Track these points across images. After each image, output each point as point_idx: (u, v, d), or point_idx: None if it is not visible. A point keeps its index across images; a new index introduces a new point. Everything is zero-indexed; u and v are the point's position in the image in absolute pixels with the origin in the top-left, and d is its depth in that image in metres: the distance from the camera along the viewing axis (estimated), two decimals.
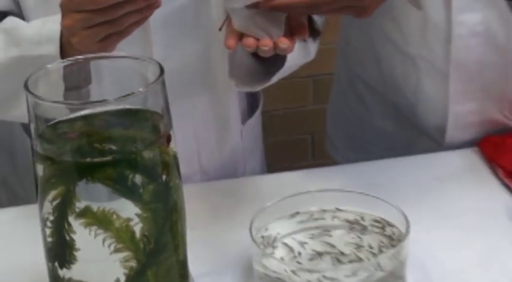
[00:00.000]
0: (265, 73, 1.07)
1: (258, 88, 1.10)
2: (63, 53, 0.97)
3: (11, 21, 1.08)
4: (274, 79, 1.08)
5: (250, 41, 0.93)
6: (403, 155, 1.20)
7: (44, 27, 1.00)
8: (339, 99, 1.44)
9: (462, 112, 1.20)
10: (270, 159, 1.44)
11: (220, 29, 0.98)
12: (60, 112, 0.79)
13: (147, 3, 0.91)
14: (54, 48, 0.96)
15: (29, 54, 1.00)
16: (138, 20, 0.93)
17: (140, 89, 0.77)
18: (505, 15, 1.11)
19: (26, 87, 0.77)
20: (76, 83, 0.85)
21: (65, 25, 0.94)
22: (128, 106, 0.80)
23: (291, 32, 0.95)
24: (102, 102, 0.78)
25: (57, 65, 0.84)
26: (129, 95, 0.77)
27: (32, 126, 0.79)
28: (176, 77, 1.15)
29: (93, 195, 0.79)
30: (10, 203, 1.31)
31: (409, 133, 1.30)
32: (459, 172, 1.15)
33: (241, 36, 0.94)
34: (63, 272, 0.81)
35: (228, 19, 0.96)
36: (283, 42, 0.93)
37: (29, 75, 0.79)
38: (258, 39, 0.93)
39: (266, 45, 0.93)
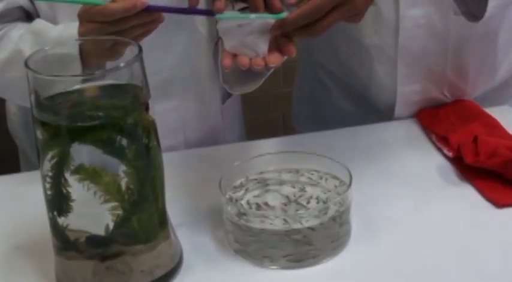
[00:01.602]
0: (255, 75, 1.06)
1: (250, 90, 1.08)
2: (82, 53, 0.94)
3: (39, 23, 1.06)
4: (263, 80, 1.08)
5: (244, 61, 0.90)
6: None
7: (65, 31, 1.00)
8: (302, 82, 1.44)
9: (408, 92, 1.20)
10: (248, 134, 1.44)
11: (216, 44, 0.95)
12: (55, 85, 0.79)
13: (151, 18, 0.91)
14: (73, 49, 0.93)
15: (52, 53, 1.00)
16: (144, 32, 0.93)
17: (121, 64, 0.77)
18: (444, 10, 1.11)
19: (26, 64, 0.77)
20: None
21: (81, 32, 0.93)
22: (113, 81, 0.80)
23: (280, 51, 0.91)
24: (90, 75, 0.78)
25: (53, 48, 0.84)
26: (112, 69, 0.77)
27: (32, 97, 0.78)
28: (166, 67, 1.15)
29: (85, 156, 0.79)
30: (28, 169, 1.31)
31: (363, 110, 1.30)
32: (400, 138, 1.15)
33: (234, 54, 0.92)
34: (61, 220, 0.82)
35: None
36: (272, 62, 0.90)
37: (29, 55, 0.79)
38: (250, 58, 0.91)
39: (259, 64, 0.90)
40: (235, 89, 1.09)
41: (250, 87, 1.07)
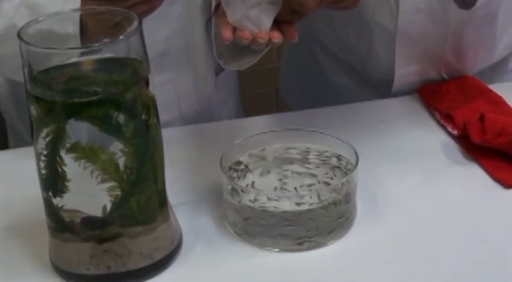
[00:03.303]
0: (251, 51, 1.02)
1: (245, 66, 1.02)
2: (83, 32, 0.90)
3: None
4: (259, 57, 1.03)
5: (246, 34, 0.85)
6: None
7: (65, 6, 0.94)
8: (292, 53, 1.39)
9: (406, 73, 1.17)
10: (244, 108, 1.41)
11: (209, 20, 0.91)
12: (50, 58, 0.74)
13: None
14: (74, 28, 0.89)
15: (51, 31, 0.95)
16: (147, 9, 0.88)
17: (121, 37, 0.73)
18: None
19: (19, 35, 0.73)
20: None
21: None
22: (111, 55, 0.75)
23: (282, 33, 0.87)
24: (87, 47, 0.74)
25: (47, 18, 0.79)
26: (111, 42, 0.73)
27: (25, 71, 0.74)
28: (160, 38, 1.11)
29: (82, 133, 0.74)
30: (18, 145, 1.26)
31: (356, 85, 1.26)
32: (402, 115, 1.11)
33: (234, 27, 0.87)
34: (56, 201, 0.77)
35: (217, 11, 0.89)
36: (276, 37, 0.85)
37: (22, 26, 0.75)
38: None
39: (263, 38, 0.85)
40: (230, 64, 1.04)
41: (246, 64, 1.03)
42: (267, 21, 0.85)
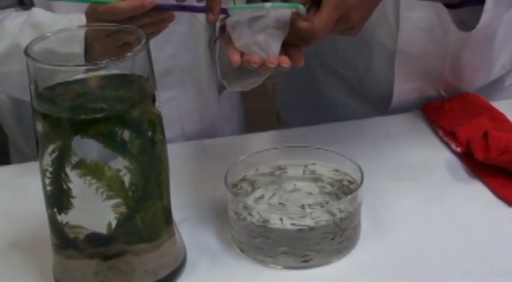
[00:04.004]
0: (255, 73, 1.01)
1: (249, 87, 1.02)
2: (88, 52, 0.90)
3: (40, 15, 1.00)
4: (263, 79, 1.03)
5: (255, 59, 0.83)
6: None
7: (71, 26, 0.94)
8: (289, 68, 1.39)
9: (405, 90, 1.17)
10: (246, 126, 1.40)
11: (215, 42, 0.91)
12: (56, 75, 0.74)
13: (161, 17, 0.86)
14: (79, 48, 0.89)
15: (56, 50, 0.95)
16: (153, 31, 0.88)
17: (128, 54, 0.73)
18: (442, 15, 1.07)
19: (25, 52, 0.72)
20: None
21: (89, 31, 0.88)
22: (117, 71, 0.75)
23: (288, 56, 0.86)
24: (94, 65, 0.73)
25: (52, 35, 0.79)
26: (117, 59, 0.72)
27: (32, 87, 0.74)
28: (164, 56, 1.11)
29: (87, 150, 0.74)
30: (20, 161, 1.26)
31: (354, 102, 1.26)
32: (405, 132, 1.11)
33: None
34: (61, 217, 0.77)
35: (222, 33, 0.89)
36: (285, 62, 0.84)
37: (28, 43, 0.74)
38: None
39: (272, 62, 0.83)
40: (234, 85, 1.04)
41: (250, 85, 1.02)
42: (275, 46, 0.84)
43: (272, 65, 0.83)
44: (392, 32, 1.12)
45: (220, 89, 1.24)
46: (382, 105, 1.20)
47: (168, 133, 1.13)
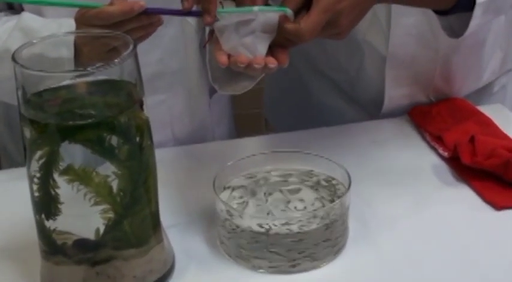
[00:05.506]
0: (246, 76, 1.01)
1: (240, 91, 1.00)
2: (77, 56, 0.89)
3: (29, 19, 0.99)
4: (254, 83, 1.03)
5: (243, 58, 0.83)
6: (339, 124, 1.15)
7: (59, 32, 0.93)
8: (277, 72, 1.39)
9: (396, 95, 1.17)
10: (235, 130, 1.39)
11: (204, 46, 0.90)
12: (44, 81, 0.74)
13: (150, 21, 0.86)
14: (68, 53, 0.88)
15: (45, 55, 0.94)
16: (142, 35, 0.87)
17: (116, 60, 0.72)
18: (433, 21, 1.07)
19: (13, 58, 0.72)
20: None
21: (78, 36, 0.87)
22: (105, 77, 0.75)
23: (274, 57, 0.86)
24: (82, 71, 0.73)
25: (41, 41, 0.79)
26: (105, 65, 0.72)
27: (19, 93, 0.73)
28: (153, 59, 1.10)
29: (75, 155, 0.74)
30: (10, 166, 1.25)
31: (345, 105, 1.25)
32: (393, 136, 1.11)
33: None
34: (49, 223, 0.76)
35: (211, 37, 0.88)
36: (272, 63, 0.84)
37: (16, 49, 0.74)
38: None
39: (259, 63, 0.83)
40: (225, 89, 1.04)
41: (241, 89, 1.02)
42: (262, 48, 0.84)
43: (259, 66, 0.83)
44: (384, 35, 1.12)
45: (211, 92, 1.24)
46: (373, 109, 1.20)
47: (159, 136, 1.12)
